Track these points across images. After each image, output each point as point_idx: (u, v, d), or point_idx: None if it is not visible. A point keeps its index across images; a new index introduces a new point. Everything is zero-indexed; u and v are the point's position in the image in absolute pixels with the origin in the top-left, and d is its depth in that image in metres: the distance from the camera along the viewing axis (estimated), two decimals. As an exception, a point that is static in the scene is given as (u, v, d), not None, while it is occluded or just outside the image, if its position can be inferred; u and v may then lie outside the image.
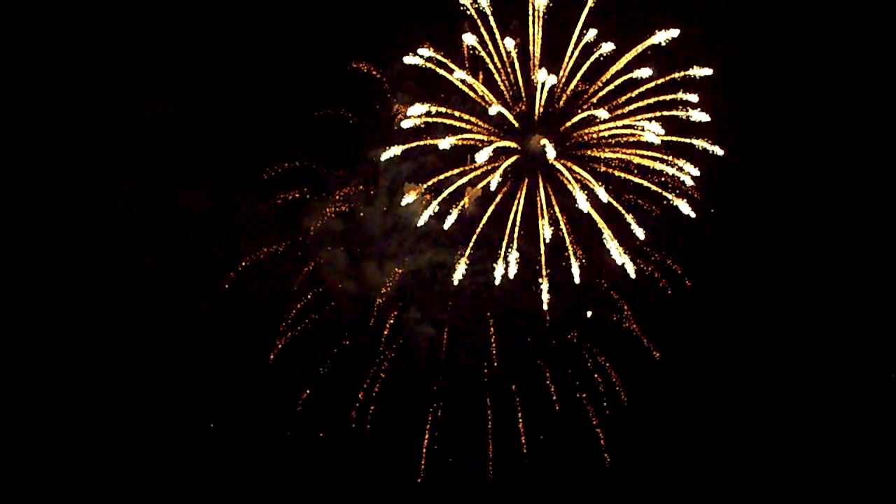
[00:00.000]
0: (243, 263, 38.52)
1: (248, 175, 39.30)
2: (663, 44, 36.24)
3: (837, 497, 37.77)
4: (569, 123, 37.81)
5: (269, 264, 38.98)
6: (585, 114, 37.30)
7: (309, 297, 39.15)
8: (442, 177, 37.52)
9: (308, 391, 38.17)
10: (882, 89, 38.33)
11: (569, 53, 37.00)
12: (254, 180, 39.05)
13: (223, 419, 37.58)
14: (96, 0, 37.99)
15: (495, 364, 38.92)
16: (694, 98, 35.99)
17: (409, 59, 36.72)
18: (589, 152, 37.93)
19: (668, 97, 37.02)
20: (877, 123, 37.93)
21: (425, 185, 37.71)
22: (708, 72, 35.98)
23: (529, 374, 38.96)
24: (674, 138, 37.12)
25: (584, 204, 35.42)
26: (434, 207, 36.28)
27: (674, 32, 35.73)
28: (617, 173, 37.71)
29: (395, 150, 36.76)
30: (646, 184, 37.63)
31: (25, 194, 37.71)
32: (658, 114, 37.14)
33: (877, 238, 38.93)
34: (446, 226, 36.25)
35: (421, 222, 36.89)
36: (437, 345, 39.48)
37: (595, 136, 37.97)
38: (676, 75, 36.75)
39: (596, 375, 38.66)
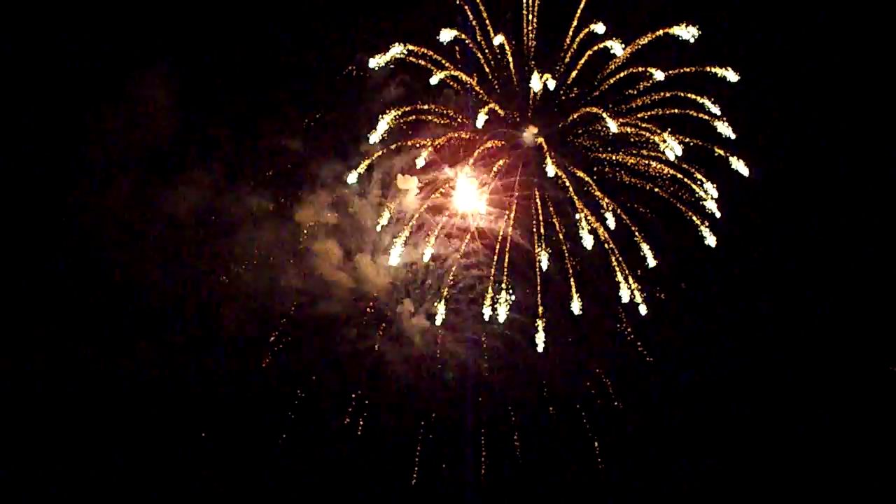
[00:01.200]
0: (244, 264, 38.02)
1: (239, 170, 37.98)
2: (683, 38, 31.35)
3: (836, 497, 37.33)
4: (567, 121, 34.24)
5: (261, 259, 38.22)
6: (583, 110, 33.71)
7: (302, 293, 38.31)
8: (431, 176, 35.79)
9: (302, 395, 37.96)
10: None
11: (567, 42, 32.71)
12: (245, 175, 37.88)
13: (215, 426, 37.74)
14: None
15: (486, 366, 38.05)
16: (715, 109, 31.62)
17: (374, 62, 33.46)
18: (591, 155, 34.50)
19: (686, 94, 32.85)
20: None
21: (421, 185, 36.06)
22: (733, 77, 31.24)
23: (523, 377, 37.93)
24: (692, 140, 33.32)
25: (589, 240, 32.63)
26: (402, 243, 34.78)
27: (693, 31, 30.71)
28: (624, 178, 34.36)
29: (359, 171, 35.12)
30: (656, 189, 34.40)
31: (16, 190, 36.52)
32: (673, 110, 33.18)
33: (874, 235, 35.88)
34: (426, 258, 34.43)
35: (393, 261, 35.32)
36: (430, 337, 38.36)
37: (598, 137, 34.35)
38: (693, 68, 32.20)
39: (588, 383, 37.60)
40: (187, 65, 37.03)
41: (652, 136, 33.30)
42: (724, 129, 31.73)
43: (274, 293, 38.39)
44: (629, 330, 36.64)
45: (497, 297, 33.62)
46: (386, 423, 38.17)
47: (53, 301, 36.72)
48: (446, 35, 32.30)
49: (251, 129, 37.99)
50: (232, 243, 38.25)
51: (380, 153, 34.82)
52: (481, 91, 34.39)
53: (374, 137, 33.87)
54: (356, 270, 39.00)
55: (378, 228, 35.14)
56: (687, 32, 30.79)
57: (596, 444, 37.88)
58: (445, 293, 34.86)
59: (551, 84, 32.17)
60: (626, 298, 33.38)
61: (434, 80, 32.63)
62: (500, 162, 34.66)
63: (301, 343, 38.23)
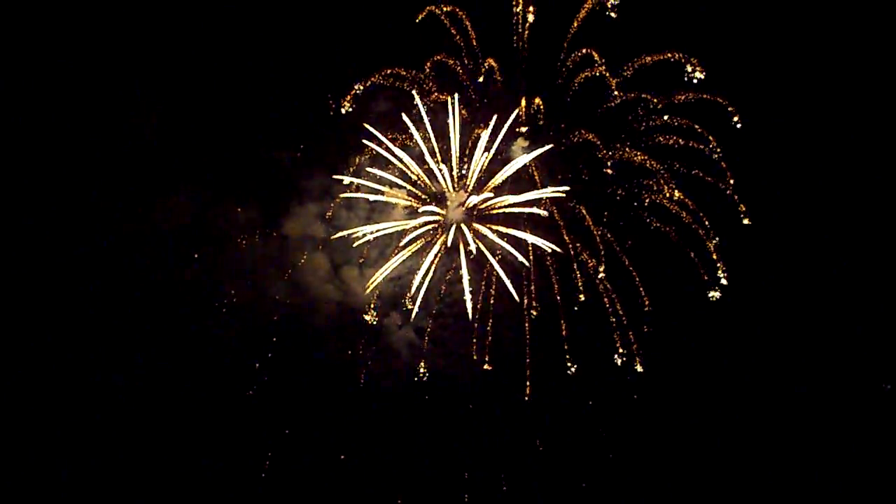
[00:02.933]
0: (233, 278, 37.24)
1: (227, 183, 37.69)
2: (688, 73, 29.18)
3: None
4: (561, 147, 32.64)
5: (250, 273, 38.09)
6: (576, 131, 32.14)
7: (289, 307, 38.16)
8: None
9: (287, 429, 37.79)
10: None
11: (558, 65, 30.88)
12: (233, 188, 37.61)
13: (200, 446, 37.29)
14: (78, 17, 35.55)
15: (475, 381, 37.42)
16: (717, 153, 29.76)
17: (344, 109, 32.72)
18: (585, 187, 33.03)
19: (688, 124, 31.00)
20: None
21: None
22: (735, 121, 29.21)
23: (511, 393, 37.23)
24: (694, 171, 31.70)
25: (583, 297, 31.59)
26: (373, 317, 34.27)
27: (698, 73, 28.49)
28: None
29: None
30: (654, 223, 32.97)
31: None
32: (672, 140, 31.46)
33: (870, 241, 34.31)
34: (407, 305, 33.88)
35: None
36: (417, 351, 37.90)
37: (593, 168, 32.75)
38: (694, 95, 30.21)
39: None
40: (179, 80, 36.47)
41: (651, 166, 31.62)
42: (726, 179, 29.91)
43: (262, 307, 38.21)
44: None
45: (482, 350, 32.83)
46: (371, 449, 37.97)
47: (41, 312, 36.17)
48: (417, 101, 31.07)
49: (240, 144, 37.40)
50: (220, 257, 37.96)
51: (354, 190, 33.83)
52: (467, 114, 32.79)
53: (347, 178, 33.31)
54: (344, 284, 38.66)
55: (356, 245, 34.11)
56: (691, 70, 28.51)
57: (584, 484, 37.63)
58: (434, 309, 33.99)
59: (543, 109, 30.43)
60: (620, 361, 32.45)
61: (414, 110, 31.31)
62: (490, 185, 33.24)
63: (287, 359, 37.95)
